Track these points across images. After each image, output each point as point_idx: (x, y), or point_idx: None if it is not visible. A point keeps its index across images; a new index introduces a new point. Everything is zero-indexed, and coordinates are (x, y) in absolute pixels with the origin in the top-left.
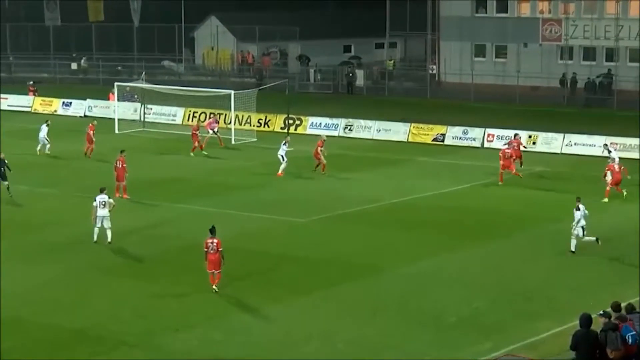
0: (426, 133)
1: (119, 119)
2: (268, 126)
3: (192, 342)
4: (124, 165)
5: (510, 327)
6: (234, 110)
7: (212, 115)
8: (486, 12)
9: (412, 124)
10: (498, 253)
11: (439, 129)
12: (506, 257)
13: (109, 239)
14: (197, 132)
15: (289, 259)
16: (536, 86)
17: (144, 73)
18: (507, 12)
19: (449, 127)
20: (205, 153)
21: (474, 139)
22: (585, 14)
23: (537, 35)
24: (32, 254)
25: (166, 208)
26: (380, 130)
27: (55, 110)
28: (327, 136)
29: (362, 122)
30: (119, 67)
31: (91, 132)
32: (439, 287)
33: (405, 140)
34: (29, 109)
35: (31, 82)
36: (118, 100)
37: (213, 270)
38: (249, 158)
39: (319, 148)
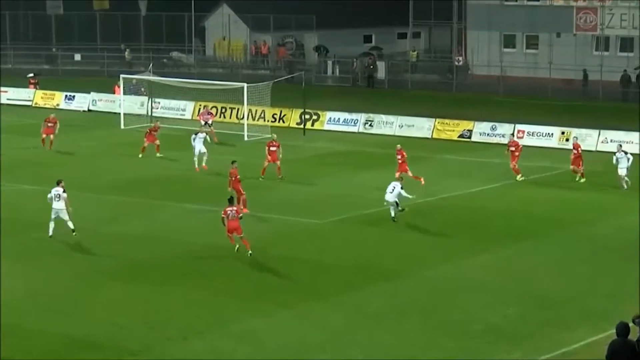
0: (452, 129)
1: (124, 114)
2: (283, 121)
3: (200, 350)
4: (237, 177)
5: (540, 336)
6: (247, 104)
7: (204, 107)
8: (516, 0)
9: (437, 120)
10: (527, 257)
11: (465, 125)
12: (535, 261)
13: (72, 227)
14: (155, 134)
15: (305, 263)
16: (569, 79)
17: (151, 65)
18: None
19: (476, 123)
20: (161, 155)
21: (503, 136)
22: (622, 1)
23: (570, 25)
24: (29, 256)
25: (173, 208)
26: (402, 126)
27: (58, 104)
28: (346, 132)
29: (384, 117)
30: (165, 60)
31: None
32: (464, 293)
33: (430, 136)
34: (29, 103)
35: (31, 75)
36: (124, 93)
37: (233, 233)
38: (262, 155)
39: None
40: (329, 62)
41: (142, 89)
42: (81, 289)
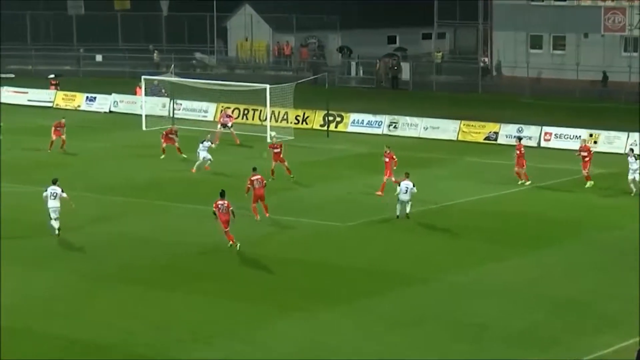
0: (477, 131)
1: (146, 115)
2: (306, 123)
3: (211, 355)
4: (264, 182)
5: (565, 343)
6: (270, 105)
7: (223, 110)
8: (543, 0)
9: (462, 122)
10: (550, 262)
11: (491, 127)
12: (559, 266)
13: (57, 230)
14: (173, 136)
15: (323, 267)
16: (597, 80)
17: (172, 66)
18: None
19: (502, 125)
20: (185, 156)
21: (530, 138)
22: None
23: (598, 25)
24: (36, 258)
25: (191, 211)
26: (427, 128)
27: (79, 106)
28: (369, 134)
29: (408, 119)
30: (194, 61)
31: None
32: (485, 298)
33: (455, 138)
34: (50, 104)
35: (52, 76)
36: (145, 95)
37: (227, 229)
38: (285, 157)
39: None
40: (353, 63)
41: (163, 90)
42: (87, 292)
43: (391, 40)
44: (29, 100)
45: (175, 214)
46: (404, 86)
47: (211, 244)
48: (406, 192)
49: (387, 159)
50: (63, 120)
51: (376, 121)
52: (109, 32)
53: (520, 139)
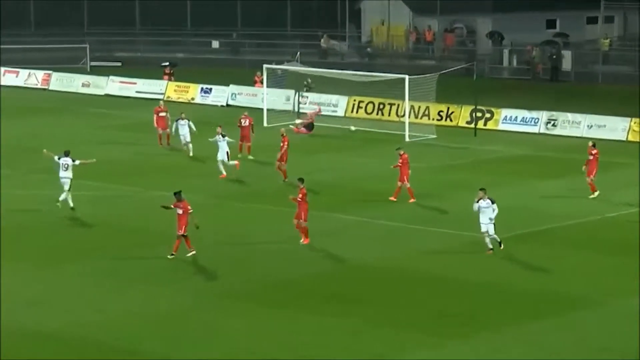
0: None
1: (267, 109)
2: (450, 120)
3: None
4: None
5: None
6: (409, 99)
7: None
8: None
9: (633, 119)
10: None
11: None
12: None
13: (71, 205)
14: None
15: (471, 286)
16: None
17: (298, 53)
18: None
19: None
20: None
21: None
22: None
23: None
24: (151, 275)
25: (335, 220)
26: (591, 127)
27: (193, 98)
28: (524, 132)
29: (569, 116)
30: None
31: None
32: None
33: (624, 139)
34: (161, 97)
35: (167, 64)
36: (267, 86)
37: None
38: (424, 159)
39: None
40: (505, 51)
41: (309, 80)
42: (207, 313)
43: (550, 24)
44: (137, 92)
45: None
46: (565, 78)
47: (349, 262)
48: (486, 212)
49: (401, 162)
50: (162, 103)
51: (532, 118)
52: (227, 16)
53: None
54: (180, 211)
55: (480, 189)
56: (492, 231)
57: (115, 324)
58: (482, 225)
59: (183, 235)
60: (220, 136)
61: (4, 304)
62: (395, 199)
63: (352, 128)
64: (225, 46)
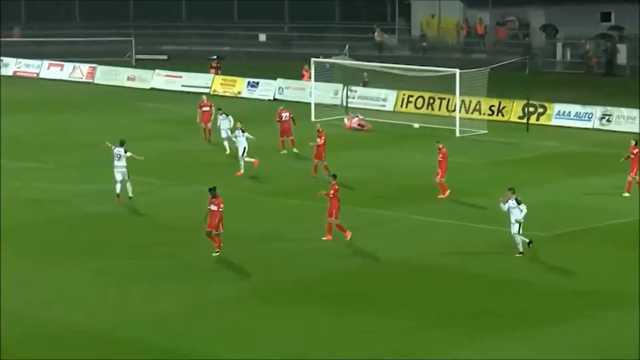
0: None
1: (315, 104)
2: (502, 115)
3: None
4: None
5: None
6: (460, 94)
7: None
8: None
9: None
10: None
11: None
12: None
13: (130, 194)
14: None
15: (509, 284)
16: None
17: (347, 47)
18: None
19: None
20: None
21: None
22: None
23: None
24: (190, 272)
25: (373, 215)
26: None
27: (239, 92)
28: (577, 128)
29: (624, 111)
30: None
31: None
32: None
33: None
34: (207, 90)
35: (215, 57)
36: (315, 80)
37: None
38: (475, 154)
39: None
40: (558, 45)
41: (365, 75)
42: (244, 311)
43: (605, 17)
44: (182, 86)
45: (359, 221)
46: (620, 72)
47: (385, 259)
48: (514, 213)
49: (440, 157)
50: (205, 98)
51: (586, 113)
52: (274, 9)
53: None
54: (214, 207)
55: (509, 189)
56: (515, 231)
57: (142, 321)
58: (511, 225)
59: (215, 233)
60: (240, 131)
61: (25, 299)
62: (445, 194)
63: (416, 125)
64: (273, 39)
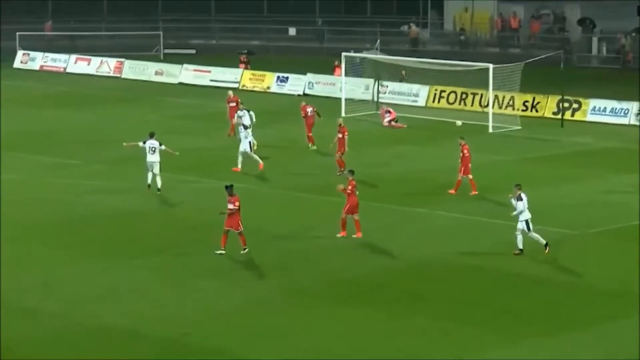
0: None
1: (346, 99)
2: (536, 110)
3: None
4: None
5: None
6: (493, 89)
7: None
8: None
9: None
10: None
11: None
12: None
13: (159, 186)
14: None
15: (543, 283)
16: None
17: (378, 41)
18: None
19: None
20: (314, 147)
21: None
22: None
23: None
24: (223, 269)
25: (406, 213)
26: None
27: (268, 87)
28: (613, 124)
29: None
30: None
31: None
32: None
33: None
34: (236, 85)
35: (245, 51)
36: (346, 75)
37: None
38: (508, 151)
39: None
40: (594, 39)
41: (404, 72)
42: (282, 312)
43: None
44: (211, 81)
45: (392, 219)
46: None
47: (409, 257)
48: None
49: (465, 152)
50: (231, 93)
51: (621, 109)
52: (305, 3)
53: None
54: (231, 206)
55: (515, 185)
56: (522, 227)
57: (179, 320)
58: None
59: (236, 232)
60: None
61: (70, 298)
62: (476, 192)
63: (459, 123)
64: (303, 34)
